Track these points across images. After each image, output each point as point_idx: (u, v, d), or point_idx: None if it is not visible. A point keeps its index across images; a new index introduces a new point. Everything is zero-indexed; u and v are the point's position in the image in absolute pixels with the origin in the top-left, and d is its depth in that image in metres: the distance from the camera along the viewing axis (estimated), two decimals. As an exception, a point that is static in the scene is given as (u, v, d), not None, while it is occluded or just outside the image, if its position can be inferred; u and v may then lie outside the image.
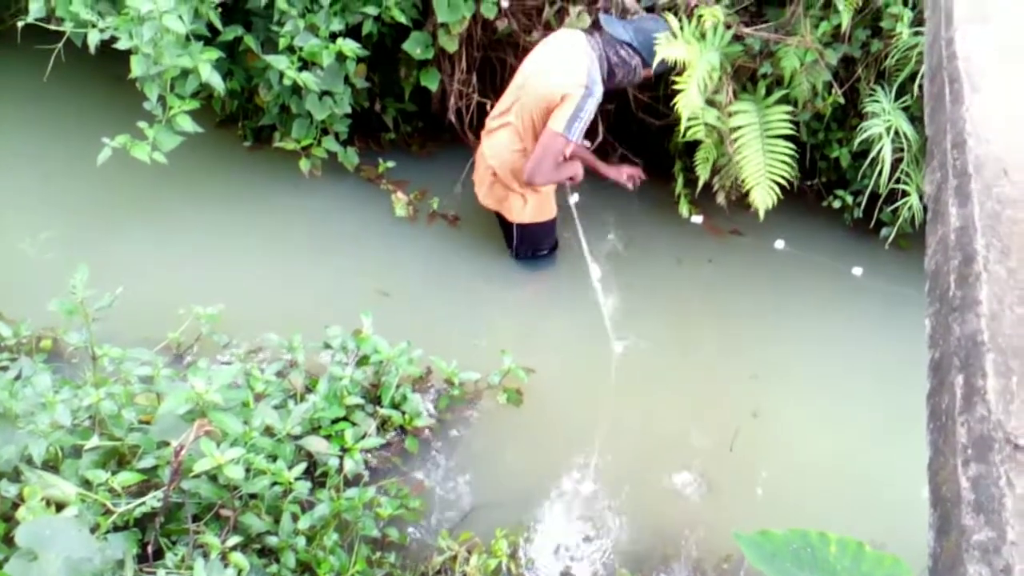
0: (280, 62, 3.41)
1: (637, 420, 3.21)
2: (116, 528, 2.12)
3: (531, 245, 3.71)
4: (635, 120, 4.07)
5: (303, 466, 2.41)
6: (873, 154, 3.41)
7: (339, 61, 3.52)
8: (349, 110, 3.73)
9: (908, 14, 3.22)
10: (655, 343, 3.48)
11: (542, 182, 3.38)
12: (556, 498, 2.93)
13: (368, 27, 3.58)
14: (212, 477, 2.25)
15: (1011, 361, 1.04)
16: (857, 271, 3.79)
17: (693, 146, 3.71)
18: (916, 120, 3.41)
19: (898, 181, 3.49)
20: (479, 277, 3.71)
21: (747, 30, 3.44)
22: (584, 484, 2.98)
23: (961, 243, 1.23)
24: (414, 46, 3.67)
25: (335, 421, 2.74)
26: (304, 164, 3.79)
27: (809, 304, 3.71)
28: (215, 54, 3.26)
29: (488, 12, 3.55)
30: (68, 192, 3.82)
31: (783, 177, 3.53)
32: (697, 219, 3.99)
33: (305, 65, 3.50)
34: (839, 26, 3.31)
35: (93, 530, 2.03)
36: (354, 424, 2.76)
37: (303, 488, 2.41)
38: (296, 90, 3.58)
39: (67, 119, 4.17)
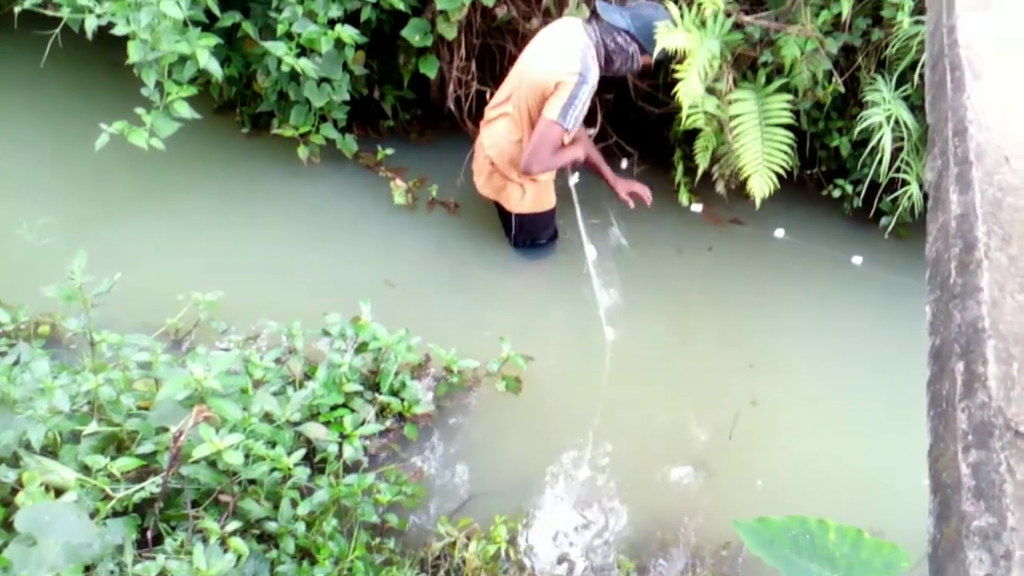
0: (278, 48, 3.39)
1: (636, 408, 3.21)
2: (115, 513, 2.12)
3: (529, 235, 3.71)
4: (634, 109, 4.06)
5: (302, 452, 2.41)
6: (873, 143, 3.40)
7: (337, 48, 3.51)
8: (347, 97, 3.72)
9: (909, 3, 3.21)
10: (654, 331, 3.48)
11: (539, 171, 3.37)
12: (555, 485, 2.94)
13: (367, 14, 3.57)
14: (211, 463, 2.25)
15: (1012, 348, 1.04)
16: (857, 260, 3.79)
17: (693, 135, 3.70)
18: (916, 109, 3.40)
19: (898, 170, 3.49)
20: (478, 265, 3.70)
21: (747, 18, 3.43)
22: (583, 471, 2.99)
23: (962, 230, 1.23)
24: (413, 33, 3.66)
25: (334, 408, 2.74)
26: (302, 151, 3.78)
27: (809, 293, 3.71)
28: (213, 40, 3.24)
29: (487, -1, 3.54)
30: (66, 178, 3.81)
31: (781, 166, 3.53)
32: (697, 208, 3.99)
33: (303, 52, 3.48)
34: (840, 15, 3.30)
35: (92, 515, 2.03)
36: (353, 411, 2.77)
37: (302, 474, 2.41)
38: (294, 77, 3.57)
39: (64, 105, 4.15)
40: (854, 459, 3.01)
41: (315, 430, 2.59)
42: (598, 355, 3.39)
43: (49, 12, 3.20)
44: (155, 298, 3.11)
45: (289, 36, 3.43)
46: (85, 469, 2.16)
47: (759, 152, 3.53)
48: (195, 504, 2.27)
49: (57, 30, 3.22)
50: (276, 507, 2.38)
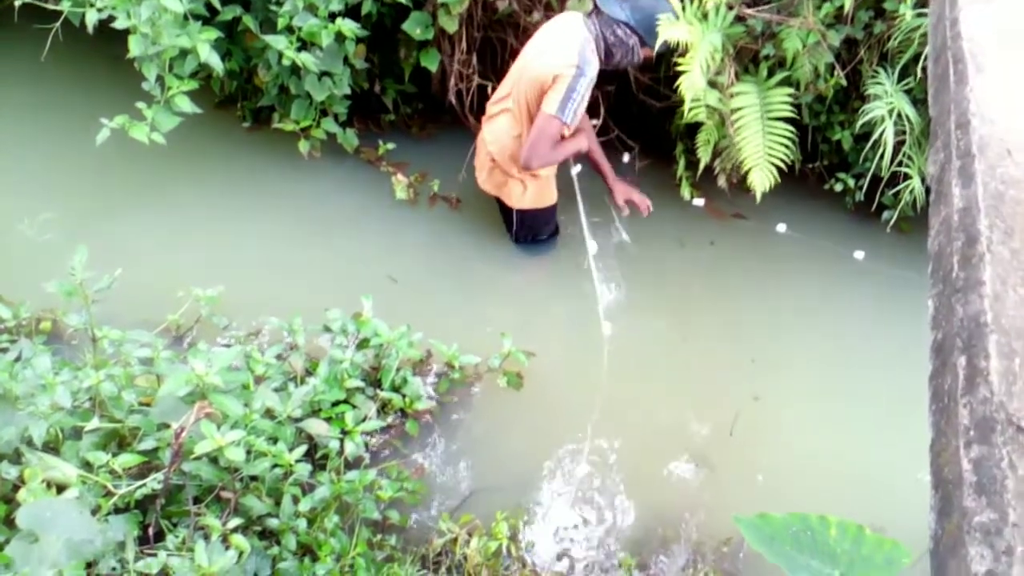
0: (279, 42, 3.39)
1: (637, 404, 3.21)
2: (117, 510, 2.12)
3: (531, 231, 3.70)
4: (636, 102, 4.05)
5: (303, 448, 2.41)
6: (875, 137, 3.39)
7: (338, 41, 3.50)
8: (348, 91, 3.72)
9: (912, -5, 3.20)
10: (656, 326, 3.48)
11: (539, 165, 3.35)
12: (556, 481, 2.94)
13: (367, 7, 3.56)
14: (213, 459, 2.25)
15: (1014, 342, 1.04)
16: (859, 255, 3.78)
17: (694, 128, 3.69)
18: (918, 102, 3.39)
19: (900, 164, 3.48)
20: (480, 260, 3.70)
21: (749, 11, 3.42)
22: (584, 467, 2.99)
23: (964, 224, 1.22)
24: (414, 26, 3.65)
25: (335, 404, 2.74)
26: (303, 145, 3.78)
27: (811, 287, 3.70)
28: (214, 34, 3.24)
29: (488, -8, 3.54)
30: (67, 173, 3.81)
31: (783, 159, 3.52)
32: (699, 202, 3.98)
33: (304, 45, 3.48)
34: (842, 7, 3.29)
35: (94, 512, 2.03)
36: (354, 407, 2.77)
37: (304, 470, 2.41)
38: (295, 71, 3.57)
39: (65, 99, 4.15)
40: (855, 455, 3.00)
41: (316, 426, 2.59)
42: (599, 351, 3.38)
43: (50, 6, 3.21)
44: (156, 293, 3.12)
45: (290, 30, 3.42)
46: (87, 465, 2.16)
47: (760, 146, 3.52)
48: (197, 500, 2.27)
49: (58, 24, 3.22)
50: (278, 503, 2.38)
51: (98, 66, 4.00)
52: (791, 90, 3.51)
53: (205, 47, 3.18)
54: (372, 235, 3.75)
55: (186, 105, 3.29)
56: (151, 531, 2.18)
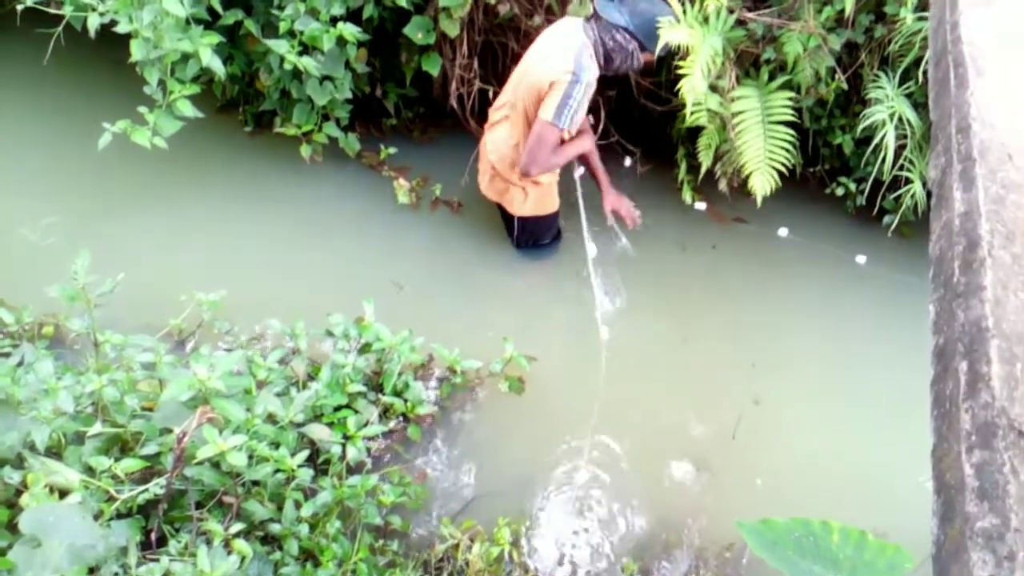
0: (280, 46, 3.39)
1: (639, 408, 3.20)
2: (119, 515, 2.12)
3: (532, 236, 3.70)
4: (637, 106, 4.05)
5: (305, 453, 2.41)
6: (876, 141, 3.39)
7: (340, 46, 3.51)
8: (350, 95, 3.72)
9: (912, -1, 3.21)
10: (657, 330, 3.48)
11: (538, 172, 3.34)
12: (558, 486, 2.94)
13: (369, 11, 3.56)
14: (215, 464, 2.25)
15: (1015, 347, 1.04)
16: (860, 259, 3.78)
17: (696, 132, 3.69)
18: (919, 107, 3.39)
19: (901, 168, 3.48)
20: (481, 265, 3.70)
21: (750, 15, 3.42)
22: (586, 472, 2.98)
23: (965, 228, 1.22)
24: (415, 30, 3.65)
25: (337, 409, 2.74)
26: (305, 150, 3.78)
27: (812, 291, 3.70)
28: (215, 38, 3.24)
29: (490, -4, 3.53)
30: (69, 177, 3.81)
31: (783, 163, 3.52)
32: (700, 206, 3.98)
33: (306, 50, 3.48)
34: (842, 11, 3.29)
35: (96, 517, 2.03)
36: (356, 412, 2.76)
37: (306, 475, 2.41)
38: (297, 75, 3.57)
39: (67, 104, 4.15)
40: (857, 459, 3.00)
41: (319, 431, 2.59)
42: (601, 355, 3.38)
43: (52, 10, 3.21)
44: (158, 298, 3.12)
45: (291, 34, 3.43)
46: (89, 470, 2.16)
47: (761, 149, 3.52)
48: (199, 506, 2.27)
49: (60, 28, 3.22)
50: (280, 509, 2.38)
51: (100, 70, 4.00)
52: (792, 94, 3.52)
53: (207, 51, 3.18)
54: (374, 239, 3.75)
55: (188, 109, 3.30)
56: (153, 536, 2.18)
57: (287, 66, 3.42)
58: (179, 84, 3.29)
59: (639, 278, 3.67)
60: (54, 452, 2.23)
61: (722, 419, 3.15)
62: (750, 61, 3.59)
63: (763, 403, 3.21)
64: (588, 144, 3.49)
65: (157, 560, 2.06)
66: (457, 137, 4.12)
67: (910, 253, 3.74)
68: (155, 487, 2.16)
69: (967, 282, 1.15)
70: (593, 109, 3.61)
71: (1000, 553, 0.89)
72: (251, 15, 3.56)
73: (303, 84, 3.58)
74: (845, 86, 3.51)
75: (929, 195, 1.47)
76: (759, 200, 3.54)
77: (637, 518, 2.86)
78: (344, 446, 2.62)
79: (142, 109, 3.27)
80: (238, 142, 4.07)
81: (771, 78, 3.54)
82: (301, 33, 3.41)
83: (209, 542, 2.16)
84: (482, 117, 3.65)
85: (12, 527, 1.98)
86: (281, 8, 3.42)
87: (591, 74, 3.19)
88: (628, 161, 4.16)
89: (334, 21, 3.45)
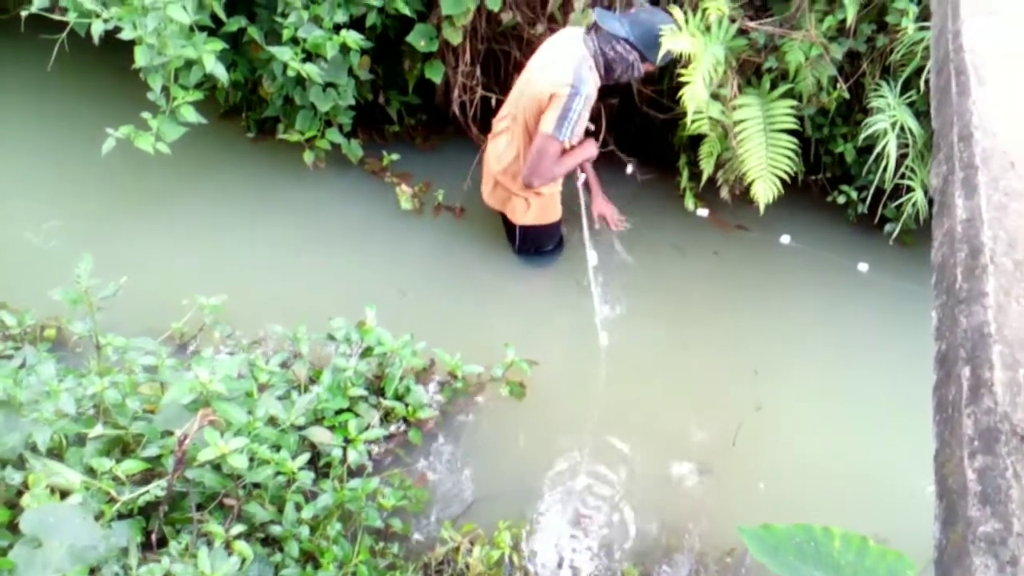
0: (284, 53, 3.40)
1: (640, 413, 3.21)
2: (120, 516, 2.12)
3: (534, 244, 3.71)
4: (639, 114, 4.06)
5: (307, 456, 2.42)
6: (878, 149, 3.40)
7: (343, 53, 3.52)
8: (353, 102, 3.73)
9: (914, 9, 3.21)
10: (658, 336, 3.48)
11: (540, 184, 3.35)
12: (559, 490, 2.94)
13: (372, 19, 3.58)
14: (216, 466, 2.25)
15: (1018, 353, 1.04)
16: (863, 267, 3.79)
17: (698, 140, 3.70)
18: (921, 115, 3.40)
19: (902, 177, 3.49)
20: (483, 270, 3.71)
21: (752, 24, 3.43)
22: (586, 476, 2.98)
23: (968, 235, 1.23)
24: (418, 38, 3.67)
25: (339, 412, 2.75)
26: (308, 156, 3.79)
27: (814, 299, 3.71)
28: (219, 45, 3.25)
29: (493, 4, 3.54)
30: (72, 182, 3.82)
31: (785, 171, 3.53)
32: (703, 213, 3.99)
33: (309, 57, 3.49)
34: (844, 20, 3.30)
35: (97, 518, 2.03)
36: (358, 415, 2.77)
37: (306, 478, 2.41)
38: (300, 82, 3.58)
39: (71, 109, 4.17)
40: (859, 465, 3.00)
41: (320, 434, 2.59)
42: (602, 360, 3.39)
43: (56, 16, 3.22)
44: (160, 301, 3.12)
45: (295, 41, 3.44)
46: (90, 472, 2.17)
47: (763, 158, 3.53)
48: (200, 507, 2.27)
49: (64, 34, 3.23)
50: (280, 511, 2.38)
51: (104, 76, 4.02)
52: (794, 102, 3.53)
53: (210, 58, 3.19)
54: (376, 245, 3.76)
55: (191, 115, 3.31)
56: (154, 537, 2.18)
57: (290, 73, 3.43)
58: (183, 90, 3.30)
59: (641, 284, 3.68)
60: (55, 453, 2.23)
61: (723, 424, 3.15)
62: (752, 70, 3.60)
63: (765, 409, 3.21)
64: (589, 153, 3.50)
65: (158, 561, 2.06)
66: (459, 144, 4.14)
67: (911, 261, 3.75)
68: (156, 489, 2.16)
69: (969, 288, 1.16)
70: (595, 117, 3.62)
71: (1002, 558, 0.89)
72: (255, 22, 3.57)
73: (306, 91, 3.60)
74: (847, 95, 3.52)
75: (930, 203, 1.48)
76: (762, 208, 3.55)
77: (637, 522, 2.86)
78: (345, 449, 2.62)
79: (146, 115, 3.28)
80: (241, 148, 4.08)
81: (773, 87, 3.55)
82: (304, 40, 3.42)
83: (210, 543, 2.16)
84: (484, 124, 3.66)
85: (13, 527, 1.98)
86: (285, 15, 3.43)
87: (591, 86, 3.19)
88: (630, 168, 4.17)
89: (337, 28, 3.46)
